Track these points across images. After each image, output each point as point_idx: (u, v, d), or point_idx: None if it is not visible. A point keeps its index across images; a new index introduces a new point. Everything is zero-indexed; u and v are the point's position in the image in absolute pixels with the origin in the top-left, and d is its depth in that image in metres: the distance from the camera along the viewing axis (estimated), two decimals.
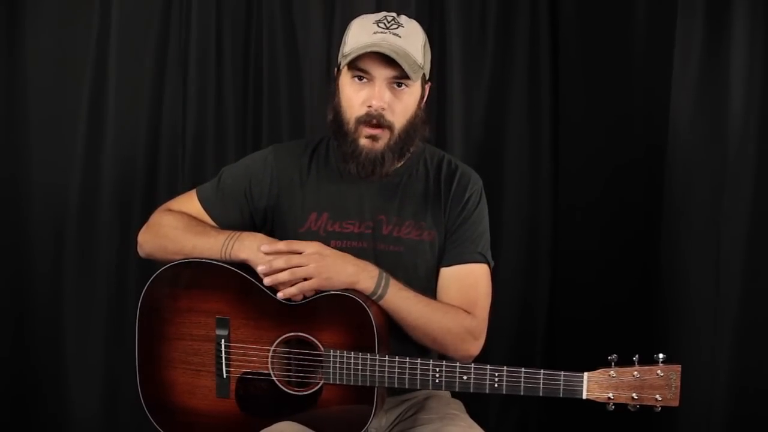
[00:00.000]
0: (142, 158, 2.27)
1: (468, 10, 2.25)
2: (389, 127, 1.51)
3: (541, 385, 1.34)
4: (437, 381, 1.39)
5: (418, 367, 1.39)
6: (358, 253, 1.50)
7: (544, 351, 2.31)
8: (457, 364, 1.38)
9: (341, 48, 1.57)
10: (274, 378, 1.45)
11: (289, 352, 1.47)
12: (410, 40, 1.52)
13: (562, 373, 1.34)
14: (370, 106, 1.50)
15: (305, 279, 1.43)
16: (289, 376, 1.47)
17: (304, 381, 1.46)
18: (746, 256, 1.87)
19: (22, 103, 2.26)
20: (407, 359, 1.40)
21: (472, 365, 1.38)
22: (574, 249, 2.27)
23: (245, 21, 2.29)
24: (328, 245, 1.49)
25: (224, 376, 1.48)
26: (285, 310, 1.45)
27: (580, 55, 2.24)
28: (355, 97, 1.51)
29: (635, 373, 1.33)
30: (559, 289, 2.31)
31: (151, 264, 1.60)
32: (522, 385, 1.35)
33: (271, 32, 2.27)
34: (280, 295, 1.44)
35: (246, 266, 1.48)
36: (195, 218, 1.59)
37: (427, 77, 1.60)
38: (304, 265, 1.43)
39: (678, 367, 1.33)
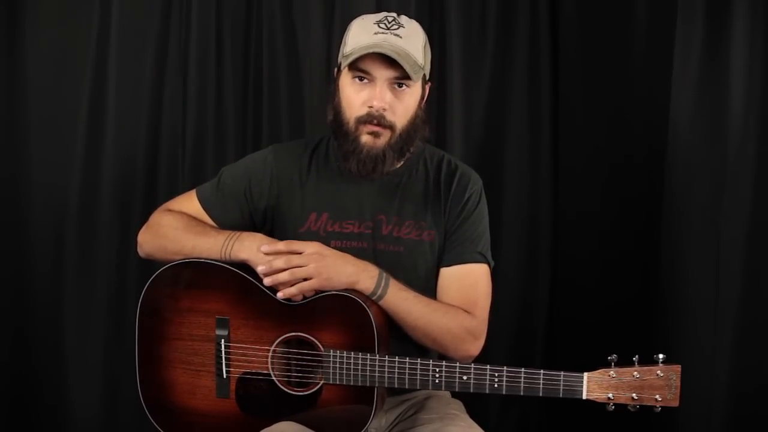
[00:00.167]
0: (142, 158, 2.27)
1: (468, 10, 2.25)
2: (390, 127, 1.51)
3: (541, 386, 1.34)
4: (437, 381, 1.39)
5: (418, 367, 1.39)
6: (358, 253, 1.50)
7: (544, 351, 2.31)
8: (457, 365, 1.38)
9: (341, 48, 1.57)
10: (274, 378, 1.45)
11: (289, 352, 1.47)
12: (411, 40, 1.52)
13: (562, 373, 1.34)
14: (371, 107, 1.50)
15: (305, 279, 1.43)
16: (289, 376, 1.47)
17: (304, 381, 1.46)
18: (746, 256, 1.87)
19: (22, 103, 2.26)
20: (407, 359, 1.40)
21: (472, 365, 1.38)
22: (574, 249, 2.27)
23: (245, 21, 2.29)
24: (328, 245, 1.49)
25: (224, 376, 1.48)
26: (285, 311, 1.45)
27: (580, 55, 2.24)
28: (356, 98, 1.51)
29: (635, 373, 1.33)
30: (559, 289, 2.31)
31: (151, 264, 1.60)
32: (522, 385, 1.35)
33: (271, 32, 2.27)
34: (279, 295, 1.44)
35: (246, 266, 1.48)
36: (195, 218, 1.59)
37: (428, 77, 1.60)
38: (304, 266, 1.43)
39: (678, 368, 1.33)
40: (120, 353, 2.24)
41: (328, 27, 2.26)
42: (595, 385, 1.33)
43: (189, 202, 1.63)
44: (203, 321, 1.49)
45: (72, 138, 2.26)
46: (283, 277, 1.43)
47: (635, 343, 2.06)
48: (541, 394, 1.35)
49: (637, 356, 1.34)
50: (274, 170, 1.61)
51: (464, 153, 2.23)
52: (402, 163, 1.60)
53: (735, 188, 1.87)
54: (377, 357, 1.40)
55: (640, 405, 1.34)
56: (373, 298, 1.46)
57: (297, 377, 1.46)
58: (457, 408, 1.60)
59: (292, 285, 1.43)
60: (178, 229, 1.55)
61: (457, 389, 1.39)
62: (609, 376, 1.33)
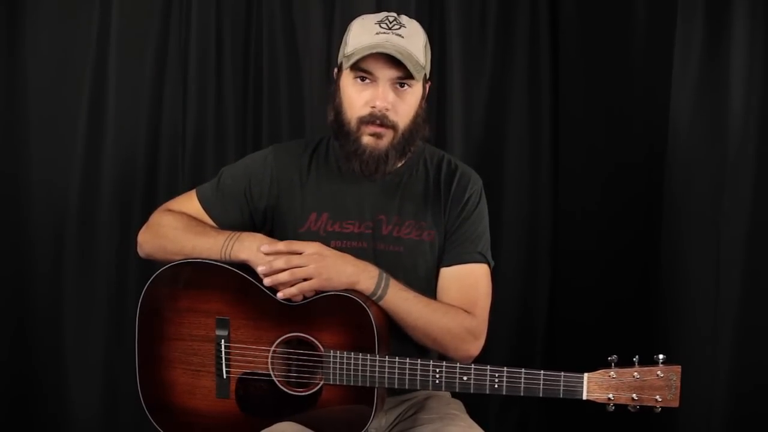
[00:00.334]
0: (142, 158, 2.27)
1: (468, 9, 2.25)
2: (393, 127, 1.52)
3: (541, 386, 1.34)
4: (437, 381, 1.39)
5: (418, 367, 1.39)
6: (358, 253, 1.50)
7: (544, 351, 2.31)
8: (457, 365, 1.38)
9: (342, 48, 1.57)
10: (274, 378, 1.45)
11: (289, 353, 1.47)
12: (412, 40, 1.52)
13: (562, 373, 1.34)
14: (373, 107, 1.50)
15: (305, 279, 1.43)
16: (289, 377, 1.47)
17: (304, 381, 1.46)
18: (746, 256, 1.87)
19: (22, 103, 2.25)
20: (407, 360, 1.40)
21: (472, 366, 1.38)
22: (574, 249, 2.27)
23: (245, 21, 2.29)
24: (328, 245, 1.49)
25: (224, 377, 1.48)
26: (285, 311, 1.45)
27: (580, 55, 2.24)
28: (358, 98, 1.51)
29: (635, 373, 1.33)
30: (559, 289, 2.31)
31: (151, 264, 1.60)
32: (522, 385, 1.35)
33: (271, 32, 2.27)
34: (280, 295, 1.44)
35: (246, 266, 1.48)
36: (195, 218, 1.59)
37: (428, 77, 1.60)
38: (304, 266, 1.43)
39: (678, 368, 1.33)
40: (120, 353, 2.24)
41: (328, 27, 2.26)
42: (595, 386, 1.33)
43: (189, 202, 1.63)
44: (203, 321, 1.49)
45: (72, 138, 2.26)
46: (283, 277, 1.43)
47: (635, 343, 2.06)
48: (541, 395, 1.35)
49: (637, 357, 1.34)
50: (274, 170, 1.61)
51: (464, 153, 2.23)
52: (402, 162, 1.60)
53: (735, 188, 1.87)
54: (377, 357, 1.40)
55: (640, 405, 1.34)
56: (373, 298, 1.46)
57: (297, 377, 1.46)
58: (457, 408, 1.60)
59: (292, 285, 1.43)
60: (178, 229, 1.55)
61: (457, 390, 1.39)
62: (609, 376, 1.33)
